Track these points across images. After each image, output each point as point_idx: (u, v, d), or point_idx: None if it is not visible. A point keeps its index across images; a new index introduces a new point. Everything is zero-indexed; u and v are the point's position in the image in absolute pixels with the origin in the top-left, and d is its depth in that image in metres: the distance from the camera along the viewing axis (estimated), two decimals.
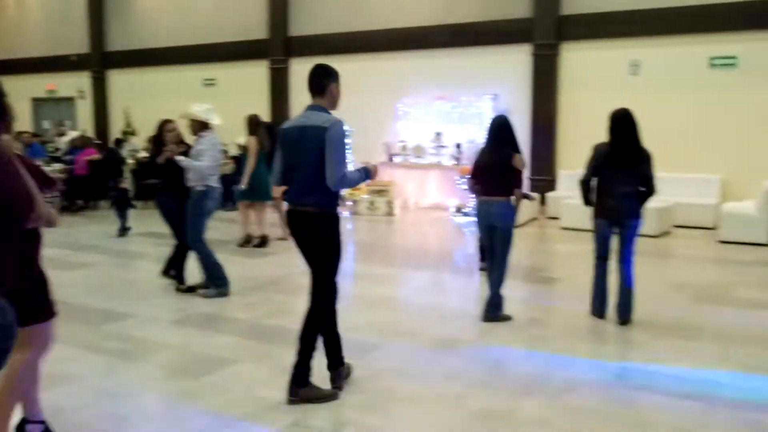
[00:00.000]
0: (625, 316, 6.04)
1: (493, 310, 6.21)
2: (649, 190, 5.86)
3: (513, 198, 6.10)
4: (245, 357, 5.28)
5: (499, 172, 6.06)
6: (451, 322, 6.17)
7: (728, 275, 8.23)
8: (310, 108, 4.41)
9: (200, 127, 7.00)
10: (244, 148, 10.12)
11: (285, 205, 4.51)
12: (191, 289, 7.25)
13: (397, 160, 13.88)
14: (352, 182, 4.38)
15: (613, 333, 5.91)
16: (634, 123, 5.87)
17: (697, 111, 11.74)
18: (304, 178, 4.29)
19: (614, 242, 6.09)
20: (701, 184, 11.55)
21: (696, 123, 11.75)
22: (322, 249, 4.38)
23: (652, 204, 10.30)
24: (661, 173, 11.30)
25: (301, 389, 4.36)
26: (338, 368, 4.59)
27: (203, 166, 6.81)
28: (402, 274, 8.27)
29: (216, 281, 7.12)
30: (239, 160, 10.81)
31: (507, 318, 6.22)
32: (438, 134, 13.74)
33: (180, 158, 6.89)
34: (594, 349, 5.48)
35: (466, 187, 8.53)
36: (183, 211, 7.02)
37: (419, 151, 13.87)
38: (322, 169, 4.21)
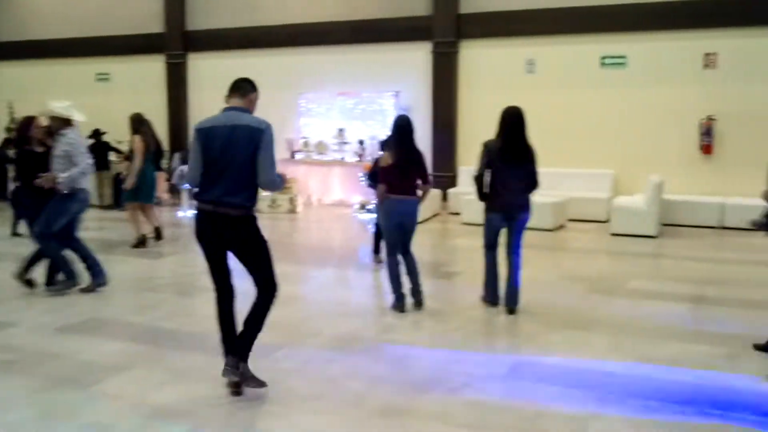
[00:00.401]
0: (512, 304, 6.29)
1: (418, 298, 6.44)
2: (534, 185, 6.18)
3: (420, 195, 6.37)
4: (138, 363, 5.05)
5: (411, 171, 6.29)
6: (352, 320, 6.13)
7: (620, 267, 8.57)
8: (233, 109, 4.36)
9: (61, 124, 6.71)
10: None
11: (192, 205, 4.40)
12: (29, 283, 7.07)
13: (299, 156, 13.74)
14: (279, 185, 4.42)
15: (510, 326, 6.02)
16: (525, 121, 6.13)
17: (590, 108, 12.17)
18: (233, 178, 4.22)
19: (502, 234, 6.33)
20: (594, 179, 11.99)
21: (589, 120, 12.18)
22: (255, 249, 4.36)
23: (548, 199, 10.73)
24: (556, 168, 11.91)
25: (242, 363, 4.35)
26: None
27: (76, 172, 6.57)
28: (304, 272, 8.17)
29: (65, 274, 6.94)
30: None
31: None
32: (340, 130, 13.69)
33: (60, 180, 6.54)
34: (492, 342, 5.57)
35: (367, 184, 8.56)
36: (39, 206, 6.72)
37: (322, 148, 13.78)
38: (252, 170, 4.20)
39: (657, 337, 5.64)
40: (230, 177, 4.21)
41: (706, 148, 11.44)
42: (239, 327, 4.48)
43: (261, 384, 4.39)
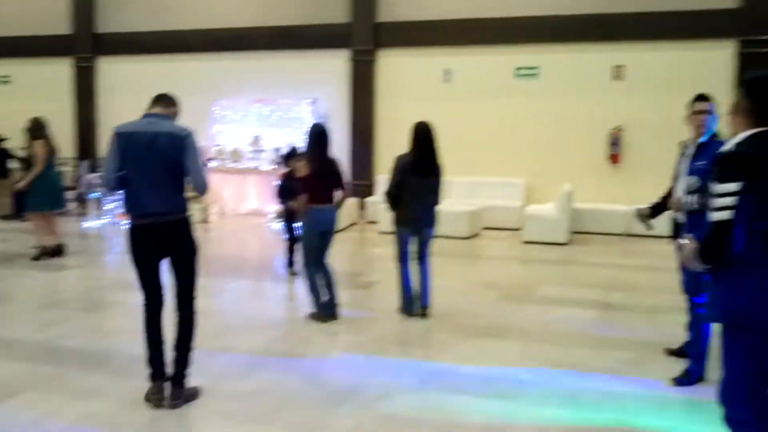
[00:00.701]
0: (424, 308, 6.43)
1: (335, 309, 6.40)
2: (437, 201, 6.39)
3: (337, 202, 6.39)
4: (35, 385, 4.77)
5: (329, 180, 6.29)
6: (266, 333, 6.00)
7: (531, 274, 8.74)
8: (154, 115, 4.33)
9: None
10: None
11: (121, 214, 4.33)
12: None
13: (213, 164, 13.44)
14: (207, 190, 4.38)
15: (426, 335, 6.03)
16: (434, 135, 6.26)
17: (504, 118, 12.40)
18: (159, 186, 4.19)
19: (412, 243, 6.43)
20: (507, 188, 12.22)
21: (503, 129, 12.40)
22: (187, 257, 4.36)
23: (463, 207, 10.87)
24: (471, 177, 12.08)
25: (183, 390, 4.39)
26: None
27: None
28: (217, 285, 7.96)
29: None
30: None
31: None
32: (256, 138, 13.48)
33: None
34: (407, 353, 5.55)
35: (278, 201, 8.47)
36: None
37: (237, 156, 13.54)
38: (178, 176, 4.22)
39: (566, 343, 5.75)
40: (158, 184, 4.20)
41: (614, 158, 11.84)
42: (168, 346, 4.42)
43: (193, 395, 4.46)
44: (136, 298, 4.53)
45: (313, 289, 6.32)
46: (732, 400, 3.02)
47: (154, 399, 4.35)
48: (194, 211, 12.18)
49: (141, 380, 4.46)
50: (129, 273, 4.59)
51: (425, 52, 12.81)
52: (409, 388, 4.73)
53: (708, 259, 2.93)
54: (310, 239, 6.33)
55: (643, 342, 5.72)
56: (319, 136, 6.31)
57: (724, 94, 5.38)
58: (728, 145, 2.97)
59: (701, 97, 4.88)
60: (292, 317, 6.73)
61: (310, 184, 6.23)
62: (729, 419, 3.04)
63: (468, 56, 12.58)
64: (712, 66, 10.99)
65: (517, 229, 11.39)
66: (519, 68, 12.36)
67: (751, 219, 2.82)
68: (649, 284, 7.88)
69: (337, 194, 6.37)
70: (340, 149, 12.21)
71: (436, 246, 6.74)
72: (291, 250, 8.20)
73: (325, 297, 6.35)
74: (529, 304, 7.06)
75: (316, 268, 6.32)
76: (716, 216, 2.85)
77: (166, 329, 4.46)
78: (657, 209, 5.22)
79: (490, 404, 4.47)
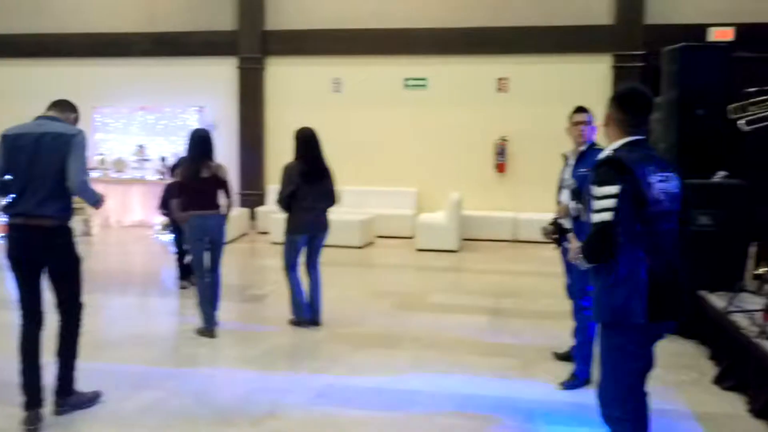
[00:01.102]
0: (316, 318, 6.39)
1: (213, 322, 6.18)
2: (334, 202, 6.37)
3: (224, 209, 6.21)
4: None
5: (212, 185, 6.11)
6: (152, 350, 5.74)
7: (423, 282, 8.82)
8: (46, 117, 4.20)
9: None
10: None
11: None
12: None
13: (94, 174, 12.80)
14: (90, 194, 4.24)
15: (318, 347, 5.94)
16: (319, 140, 6.26)
17: (395, 128, 12.50)
18: (45, 188, 4.01)
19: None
20: (400, 197, 12.33)
21: (393, 139, 12.50)
22: (66, 267, 4.20)
23: (355, 216, 10.86)
24: (363, 187, 12.09)
25: (67, 398, 4.31)
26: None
27: None
28: (101, 301, 7.54)
29: None
30: None
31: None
32: (141, 147, 12.99)
33: None
34: (298, 366, 5.44)
35: (161, 212, 8.20)
36: None
37: (120, 165, 12.98)
38: (62, 180, 4.05)
39: (458, 350, 5.81)
40: (41, 187, 4.01)
41: (500, 167, 12.19)
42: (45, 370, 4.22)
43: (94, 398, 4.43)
44: (11, 317, 4.24)
45: (205, 302, 6.11)
46: (611, 399, 3.12)
47: (29, 430, 4.05)
48: (76, 222, 11.62)
49: (13, 407, 4.16)
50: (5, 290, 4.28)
51: (315, 61, 12.74)
52: (300, 404, 4.63)
53: (591, 259, 3.04)
54: (194, 248, 6.15)
55: (531, 347, 5.87)
56: (200, 141, 6.14)
57: (602, 105, 5.63)
58: (606, 151, 3.11)
59: (580, 109, 5.10)
60: (180, 332, 6.48)
61: (190, 190, 6.05)
62: (608, 418, 3.15)
63: (357, 66, 12.61)
64: (591, 79, 11.51)
65: (409, 238, 11.49)
66: (408, 79, 12.51)
67: (628, 220, 2.94)
68: (536, 289, 8.12)
69: (224, 201, 6.20)
70: (228, 158, 11.96)
71: (328, 256, 6.69)
72: (180, 263, 7.92)
73: (211, 310, 6.16)
74: (421, 312, 7.11)
75: (206, 279, 6.13)
76: (597, 218, 2.96)
77: (43, 352, 4.20)
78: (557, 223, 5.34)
79: (384, 417, 4.44)
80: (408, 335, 6.26)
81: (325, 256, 6.57)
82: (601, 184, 2.96)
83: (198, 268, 6.13)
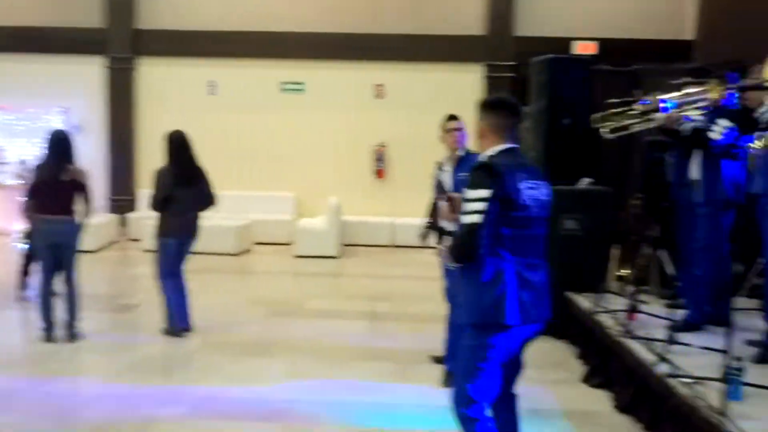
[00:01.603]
0: (185, 326, 6.20)
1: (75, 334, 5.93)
2: (211, 203, 6.23)
3: (80, 215, 5.94)
4: None
5: (67, 189, 5.84)
6: (7, 366, 5.33)
7: (301, 288, 8.73)
8: None
9: None
10: None
11: None
12: None
13: None
14: None
15: (191, 357, 5.73)
16: (190, 143, 6.14)
17: (272, 132, 12.32)
18: None
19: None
20: (278, 202, 12.15)
21: (271, 143, 12.30)
22: None
23: (231, 222, 10.60)
24: (239, 192, 11.83)
25: None
26: None
27: None
28: None
29: None
30: None
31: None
32: None
33: None
34: (172, 378, 5.23)
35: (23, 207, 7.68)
36: None
37: None
38: None
39: (336, 356, 5.77)
40: None
41: (379, 173, 12.30)
42: None
43: None
44: None
45: (45, 307, 5.87)
46: (468, 399, 3.14)
47: None
48: None
49: None
50: None
51: (189, 62, 12.33)
52: (174, 417, 4.44)
53: (458, 258, 3.11)
54: (41, 252, 5.87)
55: (409, 350, 5.91)
56: (59, 143, 5.88)
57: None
58: (482, 157, 3.21)
59: (452, 117, 5.24)
60: (43, 346, 6.06)
61: (41, 193, 5.79)
62: (463, 417, 3.16)
63: (234, 68, 12.33)
64: (464, 87, 11.80)
65: (288, 244, 11.34)
66: (285, 83, 12.37)
67: (497, 224, 3.02)
68: (414, 293, 8.21)
69: (81, 207, 5.91)
70: (96, 162, 11.40)
71: (203, 263, 6.49)
72: (26, 269, 7.42)
73: (61, 317, 5.89)
74: (298, 319, 7.02)
75: (50, 284, 5.87)
76: (466, 219, 3.02)
77: None
78: (433, 225, 5.43)
79: (262, 428, 4.33)
80: (285, 343, 6.16)
81: (200, 263, 6.39)
82: (473, 187, 3.03)
83: (43, 273, 5.86)
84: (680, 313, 4.82)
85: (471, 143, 4.97)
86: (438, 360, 5.57)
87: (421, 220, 5.74)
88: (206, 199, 6.16)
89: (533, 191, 3.13)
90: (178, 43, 12.26)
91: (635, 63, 9.08)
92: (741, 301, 5.77)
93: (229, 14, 12.21)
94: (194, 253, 6.31)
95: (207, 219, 6.32)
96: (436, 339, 5.85)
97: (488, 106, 3.29)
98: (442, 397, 4.83)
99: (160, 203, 5.96)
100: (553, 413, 4.70)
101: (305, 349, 5.96)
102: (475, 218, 2.99)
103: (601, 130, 5.70)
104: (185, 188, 5.99)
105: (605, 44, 11.33)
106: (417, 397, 4.88)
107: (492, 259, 3.04)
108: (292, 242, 11.01)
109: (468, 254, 3.05)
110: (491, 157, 3.17)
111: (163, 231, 6.05)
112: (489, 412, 3.19)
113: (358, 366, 5.52)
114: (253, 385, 5.06)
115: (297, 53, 12.14)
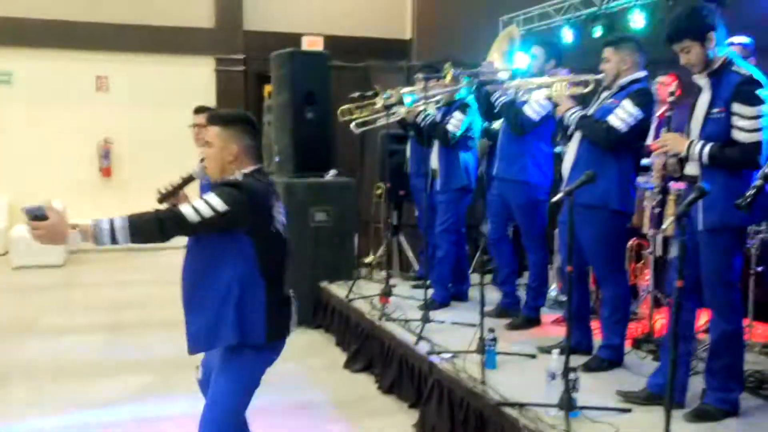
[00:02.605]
0: None
1: None
2: None
3: None
4: None
5: None
6: None
7: (28, 304, 7.81)
8: None
9: None
10: None
11: None
12: None
13: None
14: None
15: None
16: None
17: None
18: None
19: None
20: None
21: None
22: None
23: None
24: None
25: None
26: None
27: None
28: None
29: None
30: None
31: None
32: None
33: None
34: None
35: None
36: None
37: None
38: None
39: (81, 376, 5.26)
40: None
41: (106, 171, 11.45)
42: None
43: None
44: None
45: None
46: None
47: None
48: None
49: None
50: None
51: None
52: None
53: (140, 238, 2.76)
54: None
55: (164, 359, 5.58)
56: None
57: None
58: (237, 174, 2.88)
59: (198, 110, 4.99)
60: None
61: None
62: None
63: None
64: (196, 81, 11.46)
65: (4, 254, 10.07)
66: None
67: (249, 245, 2.81)
68: (159, 298, 7.75)
69: None
70: None
71: None
72: None
73: None
74: (32, 339, 6.26)
75: None
76: (190, 214, 2.74)
77: None
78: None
79: None
80: (21, 367, 5.46)
81: None
82: (218, 195, 2.74)
83: None
84: (427, 293, 5.12)
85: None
86: None
87: None
88: None
89: (280, 215, 2.95)
90: None
91: (360, 60, 9.50)
92: (474, 277, 6.34)
93: None
94: None
95: None
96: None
97: (240, 121, 2.93)
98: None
99: None
100: (321, 402, 4.77)
101: (46, 372, 5.32)
102: (195, 218, 2.70)
103: (351, 124, 5.88)
104: None
105: (333, 41, 11.69)
106: (187, 406, 4.62)
107: (242, 279, 2.80)
108: (7, 252, 9.81)
109: (159, 234, 2.73)
110: (245, 176, 2.87)
111: None
112: None
113: (109, 384, 5.06)
114: None
115: (2, 40, 10.79)
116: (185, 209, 2.75)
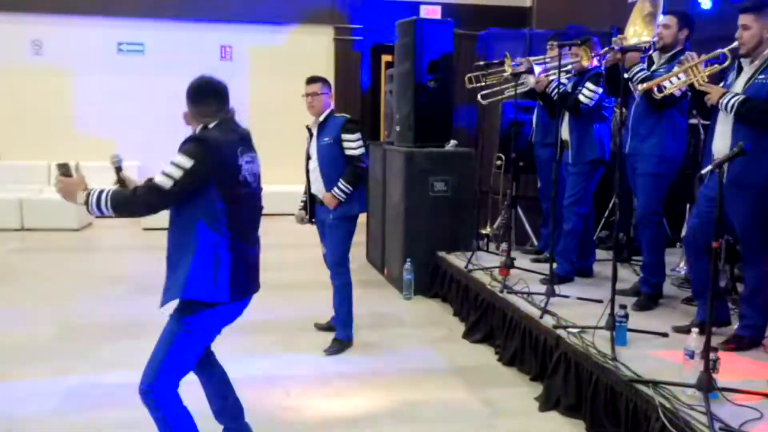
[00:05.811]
0: None
1: None
2: None
3: None
4: None
5: None
6: None
7: (156, 263, 8.18)
8: None
9: None
10: None
11: None
12: None
13: None
14: None
15: (52, 346, 5.21)
16: None
17: (107, 96, 11.44)
18: None
19: None
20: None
21: (109, 108, 11.44)
22: None
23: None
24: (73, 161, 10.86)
25: None
26: None
27: None
28: None
29: None
30: None
31: None
32: None
33: None
34: (35, 371, 4.71)
35: None
36: None
37: None
38: None
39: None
40: None
41: None
42: None
43: None
44: None
45: None
46: (159, 376, 3.11)
47: None
48: None
49: None
50: None
51: (9, 18, 11.11)
52: (42, 414, 4.01)
53: (121, 211, 2.95)
54: None
55: (291, 321, 5.74)
56: None
57: (328, 76, 5.66)
58: (199, 130, 3.12)
59: (310, 80, 5.00)
60: None
61: None
62: (154, 395, 3.13)
63: (62, 27, 11.27)
64: (315, 50, 11.66)
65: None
66: (122, 44, 11.53)
67: (211, 199, 2.92)
68: (284, 262, 7.92)
69: None
70: None
71: (38, 241, 5.83)
72: None
73: None
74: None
75: None
76: (158, 179, 2.88)
77: None
78: (310, 206, 5.18)
79: (145, 416, 4.02)
80: (154, 321, 5.74)
81: (35, 241, 5.74)
82: (181, 152, 2.89)
83: None
84: (548, 267, 5.01)
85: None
86: (322, 327, 5.47)
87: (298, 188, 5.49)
88: None
89: (250, 165, 3.08)
90: None
91: (478, 28, 9.32)
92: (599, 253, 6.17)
93: None
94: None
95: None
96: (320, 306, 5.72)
97: (202, 90, 3.22)
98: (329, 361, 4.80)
99: None
100: (445, 370, 4.78)
101: None
102: (166, 183, 2.84)
103: (478, 95, 5.76)
104: None
105: (450, 9, 11.54)
106: (306, 364, 4.76)
107: (205, 235, 2.93)
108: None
109: (136, 208, 2.98)
110: (207, 129, 3.07)
111: None
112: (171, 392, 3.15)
113: (243, 340, 5.25)
114: (129, 369, 4.64)
115: (134, 12, 11.32)
116: (158, 178, 2.87)
